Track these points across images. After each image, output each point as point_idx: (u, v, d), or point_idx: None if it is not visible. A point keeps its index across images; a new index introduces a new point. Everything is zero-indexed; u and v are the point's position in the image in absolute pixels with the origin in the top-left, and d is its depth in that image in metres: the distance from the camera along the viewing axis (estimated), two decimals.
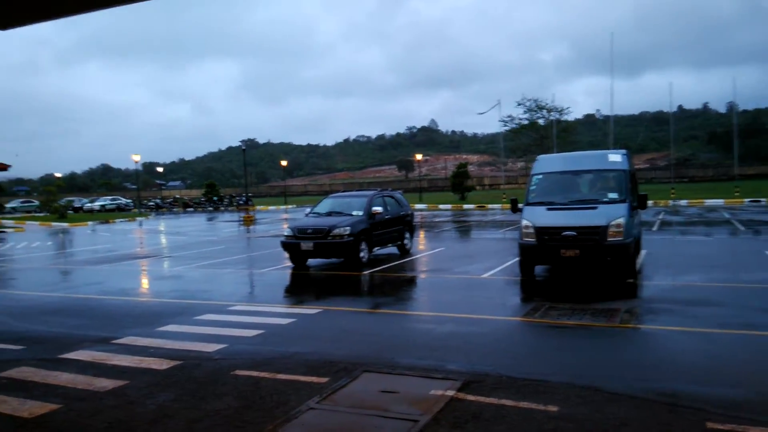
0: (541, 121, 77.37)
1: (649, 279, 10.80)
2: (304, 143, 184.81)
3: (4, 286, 13.35)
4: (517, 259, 11.41)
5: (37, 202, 60.40)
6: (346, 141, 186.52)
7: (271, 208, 54.82)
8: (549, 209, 10.87)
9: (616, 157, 11.64)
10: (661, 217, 25.95)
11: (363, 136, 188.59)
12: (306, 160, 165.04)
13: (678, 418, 4.56)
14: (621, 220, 10.15)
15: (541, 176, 11.82)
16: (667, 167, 74.34)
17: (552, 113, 73.90)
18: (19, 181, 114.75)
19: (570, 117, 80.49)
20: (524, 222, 10.79)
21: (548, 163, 12.33)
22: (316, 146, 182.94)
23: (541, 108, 76.56)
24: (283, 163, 79.60)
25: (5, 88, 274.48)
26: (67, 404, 5.29)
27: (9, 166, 46.01)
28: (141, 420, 4.88)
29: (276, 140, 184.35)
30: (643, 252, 13.69)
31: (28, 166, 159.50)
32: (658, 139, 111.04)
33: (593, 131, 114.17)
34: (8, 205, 60.93)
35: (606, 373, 5.67)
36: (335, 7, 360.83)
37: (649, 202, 11.71)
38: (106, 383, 5.84)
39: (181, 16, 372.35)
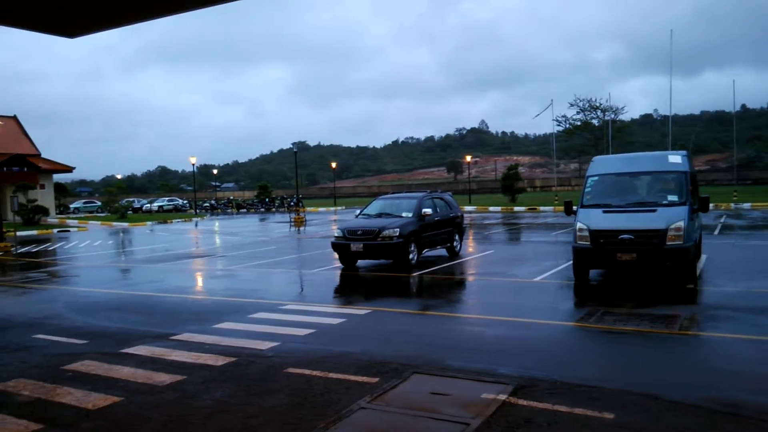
0: (595, 122, 75.65)
1: (710, 285, 10.39)
2: (353, 145, 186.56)
3: (69, 283, 13.99)
4: (571, 262, 11.17)
5: (99, 203, 62.97)
6: (395, 143, 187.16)
7: (320, 209, 55.49)
8: (605, 212, 10.60)
9: (675, 159, 11.26)
10: (722, 220, 24.92)
11: (412, 137, 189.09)
12: (355, 161, 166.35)
13: (742, 429, 4.38)
14: (681, 224, 9.80)
15: (596, 178, 11.54)
16: (729, 169, 71.29)
17: (607, 113, 72.17)
18: (82, 183, 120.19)
19: (626, 117, 78.48)
20: (579, 224, 10.56)
21: (604, 164, 12.02)
22: (365, 148, 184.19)
23: (595, 108, 74.92)
24: (333, 165, 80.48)
25: (72, 93, 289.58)
26: (128, 397, 5.50)
27: (73, 168, 48.28)
28: (198, 414, 5.02)
29: (326, 142, 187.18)
30: (703, 257, 13.19)
31: (90, 168, 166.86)
32: (720, 140, 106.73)
33: (650, 132, 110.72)
34: (72, 206, 63.74)
35: (665, 381, 5.48)
36: (385, 10, 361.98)
37: (710, 205, 11.26)
38: (164, 378, 6.04)
39: (237, 23, 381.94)
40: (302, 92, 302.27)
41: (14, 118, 46.75)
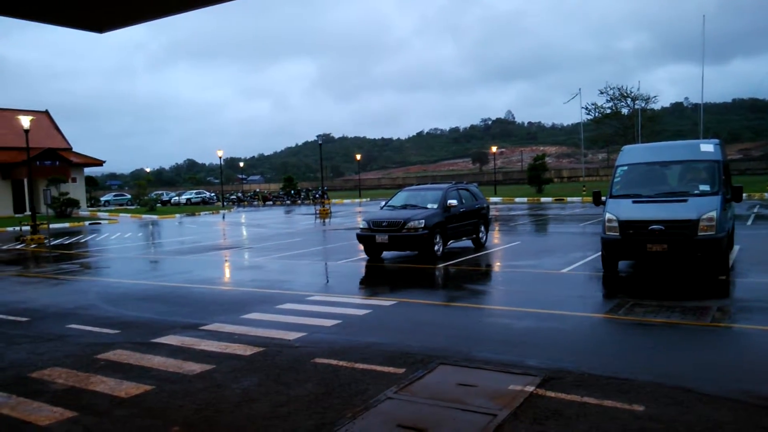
0: (624, 110, 74.31)
1: (743, 276, 10.16)
2: (377, 137, 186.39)
3: (100, 274, 14.29)
4: (599, 253, 11.03)
5: (128, 196, 64.21)
6: (420, 134, 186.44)
7: (345, 201, 55.66)
8: (635, 202, 10.43)
9: (707, 147, 11.01)
10: (756, 210, 24.33)
11: (436, 129, 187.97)
12: (380, 153, 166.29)
13: None
14: (713, 214, 9.60)
15: (626, 167, 11.35)
16: (762, 157, 69.47)
17: (637, 102, 70.83)
18: (112, 176, 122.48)
19: (656, 106, 76.87)
20: (608, 215, 10.41)
21: (634, 153, 11.81)
22: (390, 140, 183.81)
23: (625, 96, 73.54)
24: (358, 157, 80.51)
25: (103, 89, 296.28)
26: (159, 386, 5.61)
27: (103, 161, 49.18)
28: (228, 403, 5.10)
29: (350, 134, 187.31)
30: (736, 247, 12.91)
31: (120, 162, 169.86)
32: (753, 128, 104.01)
33: (681, 120, 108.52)
34: (103, 199, 65.06)
35: (697, 374, 5.39)
36: (408, 4, 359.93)
37: (743, 195, 11.00)
38: (194, 367, 6.13)
39: (264, 18, 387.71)
40: (327, 86, 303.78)
41: (46, 113, 47.76)
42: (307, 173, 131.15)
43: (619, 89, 74.14)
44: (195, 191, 66.53)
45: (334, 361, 6.09)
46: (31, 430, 4.68)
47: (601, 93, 75.20)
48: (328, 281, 11.99)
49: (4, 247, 21.83)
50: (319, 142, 51.79)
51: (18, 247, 21.87)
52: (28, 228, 25.03)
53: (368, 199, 57.95)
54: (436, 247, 13.60)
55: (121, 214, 42.53)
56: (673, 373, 5.40)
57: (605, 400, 4.76)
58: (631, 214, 10.14)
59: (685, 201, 10.05)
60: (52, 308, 9.78)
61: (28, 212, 36.93)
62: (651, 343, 6.64)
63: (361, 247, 14.60)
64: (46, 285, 12.55)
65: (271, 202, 60.55)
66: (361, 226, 14.24)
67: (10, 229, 31.17)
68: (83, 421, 4.82)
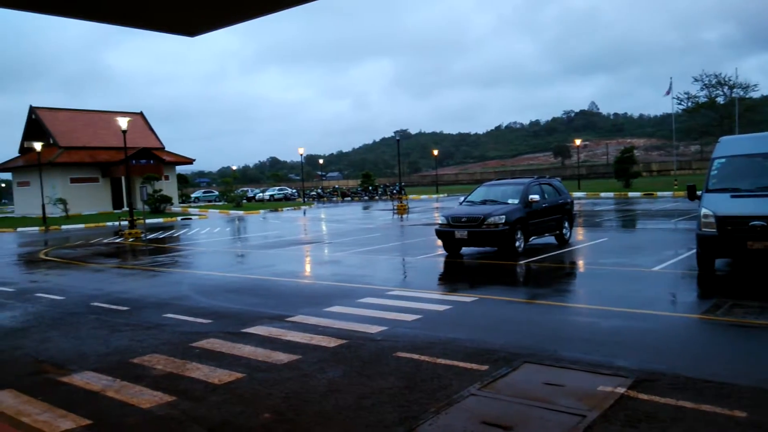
0: (720, 99, 69.80)
1: None
2: (454, 132, 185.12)
3: (192, 266, 15.03)
4: (694, 251, 10.43)
5: (216, 193, 67.05)
6: (498, 128, 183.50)
7: (423, 197, 55.60)
8: (733, 196, 9.79)
9: None
10: None
11: (516, 122, 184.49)
12: (457, 149, 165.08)
13: None
14: None
15: (724, 160, 10.67)
16: None
17: (735, 90, 66.36)
18: (201, 174, 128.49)
19: (755, 94, 71.68)
20: (704, 210, 9.83)
21: (733, 145, 11.07)
22: (467, 135, 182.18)
23: (722, 84, 69.04)
24: (435, 152, 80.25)
25: (198, 93, 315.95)
26: (250, 374, 5.84)
27: (193, 160, 51.65)
28: (314, 393, 5.24)
29: (427, 130, 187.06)
30: None
31: (208, 160, 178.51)
32: None
33: None
34: (193, 195, 68.33)
35: None
36: (485, 4, 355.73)
37: None
38: (282, 357, 6.35)
39: (347, 23, 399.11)
40: (405, 84, 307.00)
41: (140, 114, 50.70)
42: (384, 169, 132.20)
43: (716, 76, 69.69)
44: (277, 188, 68.64)
45: (416, 356, 6.12)
46: (135, 412, 5.00)
47: (696, 80, 70.95)
48: (407, 276, 12.04)
49: (105, 241, 23.43)
50: (397, 138, 52.16)
51: (117, 240, 23.40)
52: (126, 223, 26.72)
53: (445, 194, 57.65)
54: (517, 243, 13.35)
55: (209, 210, 44.49)
56: None
57: (703, 405, 4.51)
58: (730, 209, 9.54)
59: None
60: (150, 298, 10.40)
61: (125, 208, 39.39)
62: (752, 346, 6.23)
63: (440, 242, 14.55)
64: (144, 276, 13.35)
65: (349, 198, 61.52)
66: (440, 222, 14.18)
67: (109, 224, 33.42)
68: (181, 405, 5.10)
